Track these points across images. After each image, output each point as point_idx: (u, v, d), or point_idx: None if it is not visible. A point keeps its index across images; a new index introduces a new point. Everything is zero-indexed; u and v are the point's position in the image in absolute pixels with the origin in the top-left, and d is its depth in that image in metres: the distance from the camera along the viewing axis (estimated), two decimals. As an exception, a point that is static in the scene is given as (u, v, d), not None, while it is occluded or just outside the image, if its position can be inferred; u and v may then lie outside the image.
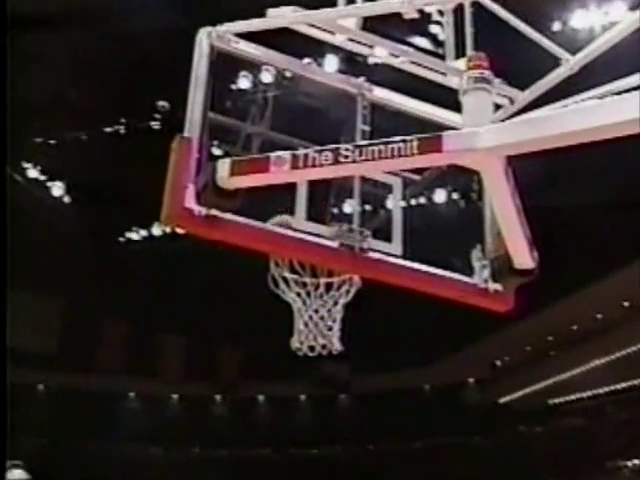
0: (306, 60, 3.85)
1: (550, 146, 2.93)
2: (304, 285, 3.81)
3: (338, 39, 3.81)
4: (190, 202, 3.36)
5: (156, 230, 26.30)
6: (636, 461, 21.07)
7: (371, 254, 3.69)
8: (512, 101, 3.79)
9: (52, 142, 21.93)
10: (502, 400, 27.14)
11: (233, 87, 3.72)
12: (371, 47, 3.82)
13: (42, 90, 18.08)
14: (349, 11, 3.73)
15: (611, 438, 21.85)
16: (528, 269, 3.59)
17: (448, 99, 3.67)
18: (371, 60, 3.92)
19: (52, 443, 24.58)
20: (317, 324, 3.82)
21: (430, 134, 3.18)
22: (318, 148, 3.18)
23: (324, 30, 3.73)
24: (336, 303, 3.84)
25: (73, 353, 26.96)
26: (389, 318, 24.59)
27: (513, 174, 3.33)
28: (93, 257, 25.23)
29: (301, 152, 3.18)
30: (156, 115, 20.76)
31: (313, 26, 3.70)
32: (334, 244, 3.65)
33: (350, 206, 3.79)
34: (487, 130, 3.07)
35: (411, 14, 3.52)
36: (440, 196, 4.36)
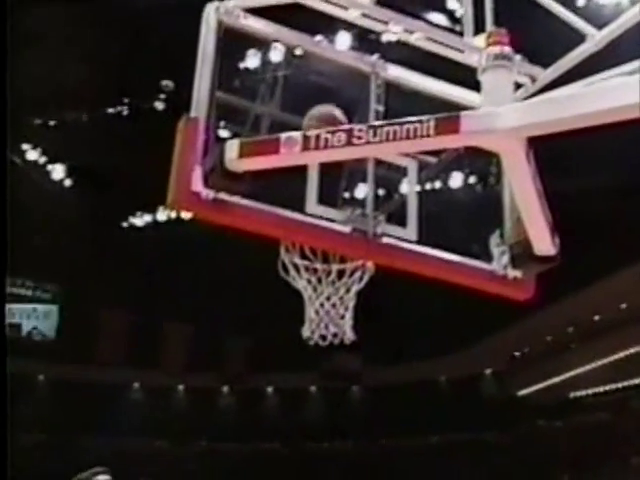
0: (317, 37, 3.73)
1: (573, 127, 2.80)
2: (315, 272, 3.69)
3: (351, 15, 3.68)
4: (197, 185, 3.26)
5: (160, 215, 26.16)
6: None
7: (385, 239, 3.57)
8: (534, 79, 3.65)
9: (52, 123, 21.79)
10: (520, 393, 26.92)
11: (241, 66, 3.61)
12: (386, 23, 3.68)
13: (42, 70, 17.99)
14: (363, -14, 3.60)
15: (635, 433, 21.60)
16: (549, 256, 3.46)
17: (466, 78, 3.53)
18: (385, 37, 3.79)
19: (53, 435, 24.64)
20: (329, 312, 3.71)
21: (447, 114, 3.05)
22: (330, 129, 3.06)
23: (336, 5, 3.60)
24: (348, 290, 3.72)
25: (73, 343, 26.98)
26: (403, 307, 24.42)
27: (534, 156, 3.19)
28: (95, 243, 25.19)
29: (313, 133, 3.06)
30: (160, 95, 20.57)
31: (325, 1, 3.58)
32: (346, 229, 3.54)
33: (362, 190, 3.67)
34: (507, 110, 2.94)
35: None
36: (456, 180, 4.24)
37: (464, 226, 3.87)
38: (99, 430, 25.00)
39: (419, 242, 3.66)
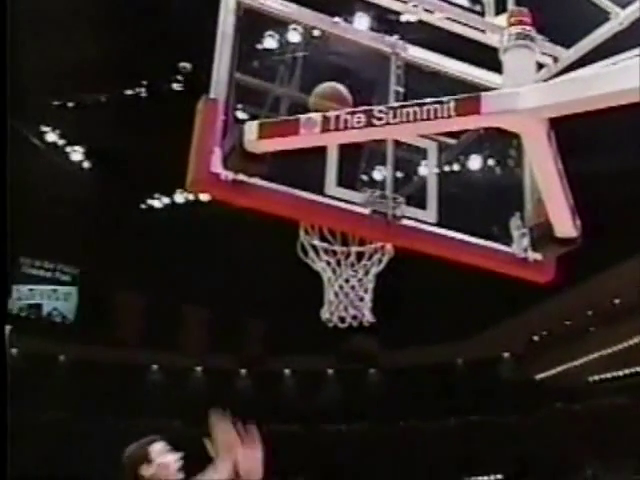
0: (336, 19, 3.69)
1: (596, 107, 2.76)
2: (334, 254, 3.69)
3: (371, -6, 3.65)
4: (216, 166, 3.25)
5: (179, 197, 26.20)
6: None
7: (404, 221, 3.55)
8: (556, 60, 3.60)
9: (71, 105, 21.79)
10: (539, 377, 26.82)
11: (259, 47, 3.59)
12: (405, 2, 3.64)
13: (60, 51, 18.00)
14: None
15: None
16: (570, 238, 3.43)
17: (487, 58, 3.49)
18: (404, 18, 3.75)
19: (72, 415, 24.84)
20: (348, 294, 3.70)
21: (468, 95, 3.02)
22: (350, 110, 3.04)
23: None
24: (367, 272, 3.71)
25: (93, 324, 27.14)
26: (421, 289, 24.37)
27: (555, 137, 3.16)
28: (113, 225, 25.28)
29: (332, 114, 3.05)
30: (178, 77, 20.50)
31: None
32: (366, 211, 3.52)
33: (380, 173, 3.65)
34: (528, 90, 2.90)
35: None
36: (475, 162, 4.20)
37: (484, 208, 3.84)
38: (118, 411, 25.22)
39: (438, 224, 3.64)
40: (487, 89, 3.26)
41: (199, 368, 29.31)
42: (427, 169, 3.76)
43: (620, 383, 24.61)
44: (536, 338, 27.75)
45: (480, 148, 4.14)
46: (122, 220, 25.72)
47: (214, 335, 27.91)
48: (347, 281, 3.69)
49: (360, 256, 3.72)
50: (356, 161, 3.59)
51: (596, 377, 25.45)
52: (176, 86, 20.80)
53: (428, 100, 2.93)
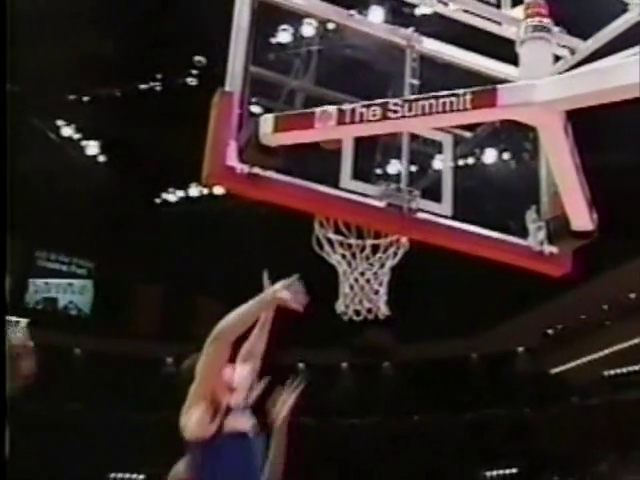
0: (351, 12, 3.68)
1: (613, 99, 2.74)
2: (349, 247, 3.69)
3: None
4: (232, 160, 3.26)
5: (193, 191, 26.26)
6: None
7: (420, 215, 3.54)
8: (573, 51, 3.57)
9: (86, 99, 21.89)
10: (554, 371, 26.72)
11: (273, 41, 3.59)
12: (421, -5, 3.63)
13: (75, 46, 18.07)
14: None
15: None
16: (587, 231, 3.42)
17: (504, 51, 3.47)
18: (419, 10, 3.74)
19: (88, 407, 24.99)
20: (363, 287, 3.70)
21: (484, 87, 3.00)
22: (366, 103, 3.04)
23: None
24: (383, 265, 3.71)
25: (108, 317, 27.27)
26: (435, 283, 24.32)
27: (572, 130, 3.14)
28: (128, 218, 25.39)
29: (348, 107, 3.04)
30: (193, 71, 20.53)
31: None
32: (381, 204, 3.52)
33: (394, 166, 3.64)
34: (545, 83, 2.88)
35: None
36: (491, 155, 4.18)
37: (499, 202, 3.83)
38: (133, 403, 25.36)
39: (454, 218, 3.63)
40: (503, 82, 3.25)
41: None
42: (442, 162, 3.74)
43: (636, 377, 24.48)
44: (551, 332, 27.64)
45: (496, 141, 4.12)
46: (137, 213, 25.84)
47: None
48: (362, 274, 3.69)
49: (375, 249, 3.72)
50: (371, 154, 3.59)
51: (611, 371, 25.33)
52: (191, 80, 20.83)
53: (444, 93, 2.92)
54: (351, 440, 25.89)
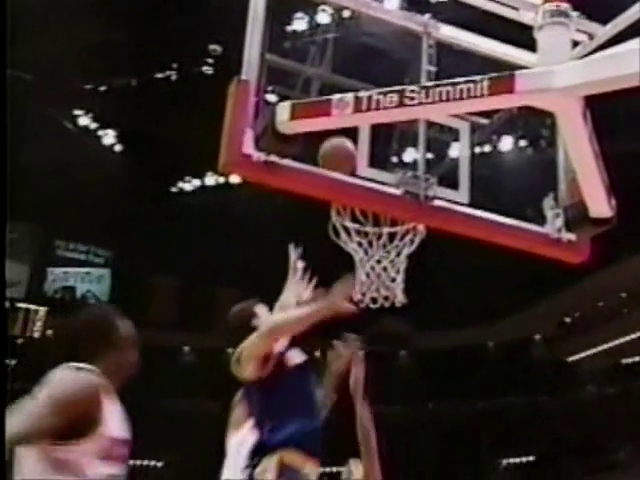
0: (367, -1, 3.66)
1: (632, 85, 2.71)
2: (366, 235, 3.68)
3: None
4: (248, 148, 3.26)
5: (209, 180, 26.29)
6: None
7: (436, 202, 3.53)
8: (592, 37, 3.53)
9: (102, 89, 21.93)
10: (571, 359, 26.61)
11: (288, 29, 3.58)
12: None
13: (91, 35, 18.10)
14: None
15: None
16: (605, 218, 3.39)
17: (521, 37, 3.44)
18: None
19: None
20: (380, 275, 3.70)
21: (502, 73, 2.99)
22: (382, 90, 3.03)
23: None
24: (399, 253, 3.70)
25: (125, 306, 27.42)
26: (452, 271, 24.24)
27: (591, 116, 3.12)
28: (145, 208, 25.47)
29: (364, 94, 3.03)
30: (208, 60, 20.51)
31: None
32: (398, 192, 3.51)
33: (411, 154, 3.63)
34: (563, 68, 2.86)
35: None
36: (508, 143, 4.16)
37: (517, 189, 3.81)
38: (150, 391, 25.53)
39: (471, 205, 3.62)
40: (521, 68, 3.23)
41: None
42: (459, 149, 3.73)
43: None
44: (568, 320, 27.51)
45: (513, 128, 4.10)
46: (154, 203, 25.93)
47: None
48: (379, 262, 3.69)
49: (392, 237, 3.72)
50: (388, 142, 3.58)
51: (629, 359, 25.19)
52: (206, 69, 20.83)
53: (461, 79, 2.90)
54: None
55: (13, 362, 26.26)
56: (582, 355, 26.21)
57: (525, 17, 3.52)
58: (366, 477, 3.75)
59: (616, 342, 25.04)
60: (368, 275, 3.70)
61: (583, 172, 3.21)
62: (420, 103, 2.96)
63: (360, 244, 3.69)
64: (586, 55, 3.26)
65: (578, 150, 3.15)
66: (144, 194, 25.42)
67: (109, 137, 25.00)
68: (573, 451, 22.91)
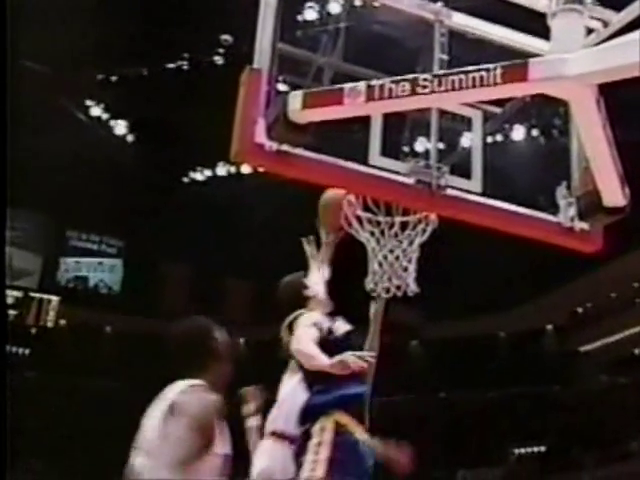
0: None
1: (647, 72, 2.69)
2: (378, 224, 3.68)
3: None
4: (260, 137, 3.26)
5: (221, 170, 26.31)
6: None
7: (449, 191, 3.52)
8: (606, 24, 3.50)
9: (114, 79, 21.97)
10: (583, 349, 26.55)
11: (299, 18, 3.57)
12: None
13: (103, 25, 18.11)
14: None
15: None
16: (618, 207, 3.38)
17: (534, 24, 3.42)
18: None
19: (118, 383, 25.28)
20: (392, 264, 3.70)
21: (515, 61, 2.97)
22: (395, 78, 3.02)
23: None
24: (412, 243, 3.70)
25: (138, 296, 27.51)
26: (463, 261, 24.19)
27: (605, 104, 3.10)
28: (157, 198, 25.54)
29: (376, 83, 3.03)
30: (219, 49, 20.51)
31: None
32: (410, 181, 3.50)
33: (422, 144, 3.62)
34: (577, 56, 2.84)
35: None
36: (521, 132, 4.14)
37: (530, 178, 3.80)
38: (162, 380, 25.65)
39: (483, 194, 3.60)
40: (534, 56, 3.20)
41: (242, 339, 29.60)
42: (472, 138, 3.71)
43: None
44: (580, 310, 27.42)
45: (526, 117, 4.08)
46: (166, 193, 25.99)
47: (258, 306, 28.14)
48: (391, 251, 3.69)
49: (404, 226, 3.71)
50: (400, 131, 3.56)
51: (641, 350, 25.12)
52: (217, 59, 20.83)
53: (474, 67, 2.89)
54: (379, 418, 25.95)
55: (27, 351, 26.47)
56: (594, 345, 26.14)
57: (538, 4, 3.49)
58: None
59: (629, 332, 24.95)
60: (380, 264, 3.70)
61: (596, 161, 3.20)
62: (433, 91, 2.95)
63: (372, 233, 3.69)
64: (600, 42, 3.23)
65: (592, 138, 3.13)
66: (156, 184, 25.48)
67: (121, 127, 25.06)
68: (584, 441, 22.89)
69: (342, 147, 3.41)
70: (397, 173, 3.49)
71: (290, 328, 3.99)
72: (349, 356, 3.58)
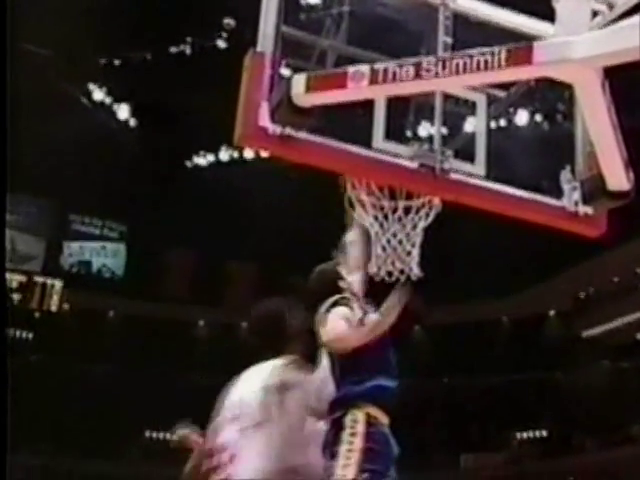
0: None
1: (653, 55, 2.68)
2: (382, 208, 3.67)
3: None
4: (264, 121, 3.25)
5: (224, 154, 26.30)
6: None
7: (453, 175, 3.52)
8: (611, 6, 3.48)
9: (117, 63, 21.94)
10: (586, 334, 26.57)
11: (302, 2, 3.55)
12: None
13: (106, 9, 18.05)
14: None
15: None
16: (623, 191, 3.37)
17: (539, 7, 3.40)
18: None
19: (121, 367, 25.39)
20: (395, 249, 3.69)
21: (520, 44, 2.96)
22: (398, 61, 3.01)
23: None
24: (415, 227, 3.69)
25: (141, 280, 27.57)
26: (466, 245, 24.19)
27: (610, 88, 3.09)
28: (160, 182, 25.55)
29: (380, 66, 3.02)
30: (222, 33, 20.46)
31: None
32: (414, 165, 3.49)
33: (426, 128, 3.61)
34: (583, 39, 2.84)
35: None
36: (523, 116, 4.13)
37: (534, 161, 3.78)
38: (165, 365, 25.78)
39: (487, 178, 3.60)
40: (539, 39, 3.19)
41: (245, 324, 29.63)
42: (476, 122, 3.70)
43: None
44: (583, 295, 27.43)
45: (530, 101, 4.07)
46: (169, 177, 26.00)
47: (260, 291, 28.15)
48: (394, 235, 3.68)
49: (407, 210, 3.70)
50: (404, 114, 3.56)
51: (644, 335, 25.13)
52: (221, 43, 20.77)
53: (478, 50, 2.88)
54: (381, 402, 26.03)
55: (30, 335, 26.58)
56: (596, 330, 26.15)
57: (543, -13, 3.47)
58: None
59: (632, 317, 24.95)
60: (384, 249, 3.69)
61: (601, 145, 3.19)
62: (437, 75, 2.94)
63: (376, 217, 3.68)
64: (606, 25, 3.21)
65: (596, 122, 3.12)
66: (158, 168, 25.48)
67: (124, 111, 25.03)
68: (587, 426, 22.98)
69: (346, 131, 3.40)
70: (401, 157, 3.49)
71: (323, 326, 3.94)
72: (378, 313, 3.64)
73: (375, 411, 3.76)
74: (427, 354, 28.21)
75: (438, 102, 3.57)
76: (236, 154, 25.65)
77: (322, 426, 3.65)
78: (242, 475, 2.50)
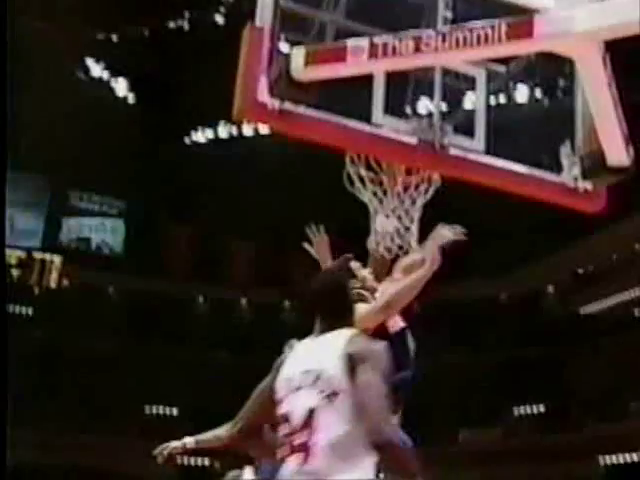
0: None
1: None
2: (381, 184, 3.66)
3: None
4: (263, 95, 3.22)
5: (224, 130, 26.16)
6: None
7: (452, 150, 3.50)
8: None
9: (115, 38, 21.79)
10: (584, 310, 26.60)
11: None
12: None
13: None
14: None
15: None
16: (622, 167, 3.36)
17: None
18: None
19: (121, 343, 25.42)
20: (394, 225, 3.68)
21: (520, 18, 2.93)
22: (398, 35, 2.98)
23: None
24: (414, 202, 3.68)
25: (140, 257, 27.55)
26: (464, 222, 24.10)
27: (610, 61, 3.06)
28: (158, 159, 25.46)
29: (380, 40, 2.99)
30: (220, 9, 20.32)
31: None
32: (413, 140, 3.47)
33: (425, 103, 3.58)
34: (583, 12, 2.81)
35: None
36: (522, 93, 4.10)
37: (533, 137, 3.76)
38: (164, 340, 25.87)
39: (487, 153, 3.58)
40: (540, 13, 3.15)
41: (244, 300, 29.70)
42: (476, 97, 3.67)
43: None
44: (581, 271, 27.41)
45: (530, 76, 4.03)
46: (168, 153, 25.88)
47: (259, 268, 28.19)
48: (393, 211, 3.67)
49: (407, 186, 3.69)
50: (403, 89, 3.52)
51: (642, 311, 25.16)
52: (219, 18, 20.62)
53: (478, 24, 2.85)
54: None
55: (30, 311, 26.63)
56: (595, 307, 26.18)
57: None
58: None
59: (630, 294, 24.97)
60: (383, 224, 3.68)
61: (601, 120, 3.17)
62: (436, 49, 2.92)
63: (375, 193, 3.67)
64: (606, -1, 3.18)
65: (597, 97, 3.10)
66: (157, 144, 25.37)
67: (122, 87, 24.89)
68: (586, 401, 23.09)
69: (345, 105, 3.37)
70: (400, 132, 3.46)
71: None
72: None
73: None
74: (426, 331, 28.21)
75: (437, 77, 3.54)
76: (235, 130, 25.52)
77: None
78: (321, 442, 2.50)
